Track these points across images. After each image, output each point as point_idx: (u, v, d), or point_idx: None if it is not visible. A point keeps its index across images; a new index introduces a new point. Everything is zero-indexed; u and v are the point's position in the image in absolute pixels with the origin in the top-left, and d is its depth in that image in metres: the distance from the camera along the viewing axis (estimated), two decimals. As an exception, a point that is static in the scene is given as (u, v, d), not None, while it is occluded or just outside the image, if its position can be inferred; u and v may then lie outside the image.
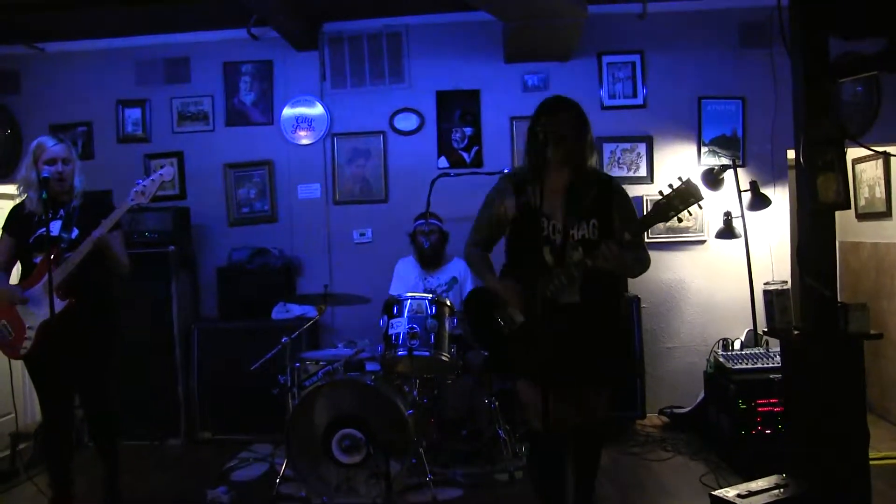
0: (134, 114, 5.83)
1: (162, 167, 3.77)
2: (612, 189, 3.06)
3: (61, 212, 3.59)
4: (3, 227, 3.71)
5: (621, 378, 3.29)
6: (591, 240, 2.91)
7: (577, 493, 3.27)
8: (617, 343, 3.16)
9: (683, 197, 2.69)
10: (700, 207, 2.73)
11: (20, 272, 3.69)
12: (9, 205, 6.05)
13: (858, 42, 3.36)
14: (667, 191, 2.73)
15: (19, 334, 3.52)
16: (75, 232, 3.55)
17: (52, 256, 3.39)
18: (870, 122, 5.26)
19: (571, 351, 2.90)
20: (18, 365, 4.81)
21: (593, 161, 3.10)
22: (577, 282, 2.88)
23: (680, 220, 2.75)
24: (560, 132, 2.90)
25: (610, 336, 3.07)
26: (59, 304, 3.38)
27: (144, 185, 3.58)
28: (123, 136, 5.84)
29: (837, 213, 3.36)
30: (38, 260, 3.55)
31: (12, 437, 4.98)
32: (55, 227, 3.52)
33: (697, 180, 5.31)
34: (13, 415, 5.67)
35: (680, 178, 2.72)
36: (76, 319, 3.47)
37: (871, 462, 3.29)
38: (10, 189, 5.94)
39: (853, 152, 5.31)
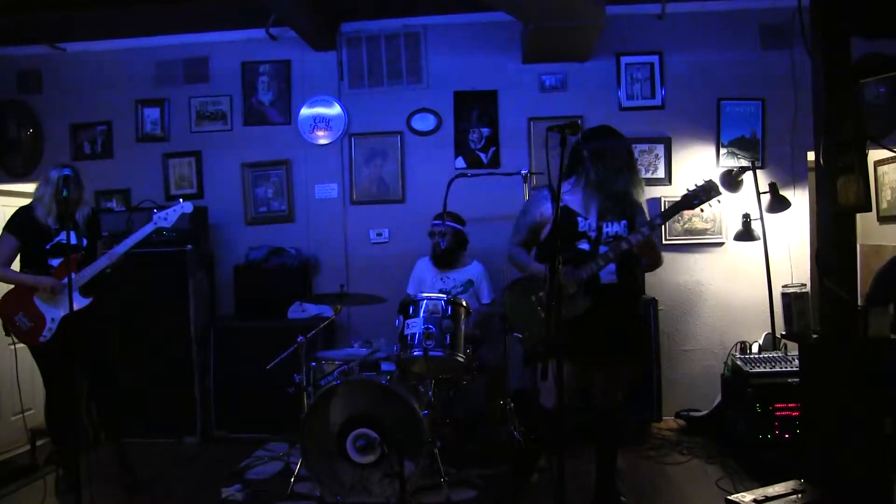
0: (153, 113, 5.88)
1: (182, 200, 4.28)
2: (635, 202, 3.49)
3: (77, 214, 4.13)
4: (10, 229, 4.11)
5: (643, 356, 3.84)
6: (622, 236, 3.35)
7: (599, 482, 3.61)
8: (638, 324, 3.72)
9: (706, 189, 3.20)
10: (719, 202, 3.25)
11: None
12: (23, 203, 6.16)
13: (881, 42, 3.32)
14: (692, 187, 3.24)
15: (38, 325, 4.02)
16: (85, 241, 4.18)
17: (73, 261, 3.93)
18: (892, 123, 5.20)
19: (603, 325, 3.34)
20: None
21: (638, 185, 3.52)
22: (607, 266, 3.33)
23: (702, 210, 3.28)
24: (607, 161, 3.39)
25: (634, 316, 3.59)
26: (84, 301, 4.03)
27: (167, 213, 4.15)
28: (142, 135, 5.89)
29: (858, 216, 3.33)
30: (53, 262, 4.05)
31: (31, 432, 5.04)
32: (70, 236, 4.01)
33: (716, 181, 5.32)
34: (32, 411, 5.75)
35: (703, 180, 3.24)
36: (93, 313, 4.06)
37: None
38: (33, 187, 6.07)
39: (875, 154, 5.24)
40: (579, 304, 3.31)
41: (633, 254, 3.32)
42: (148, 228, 4.11)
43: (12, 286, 4.10)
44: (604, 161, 3.37)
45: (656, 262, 3.50)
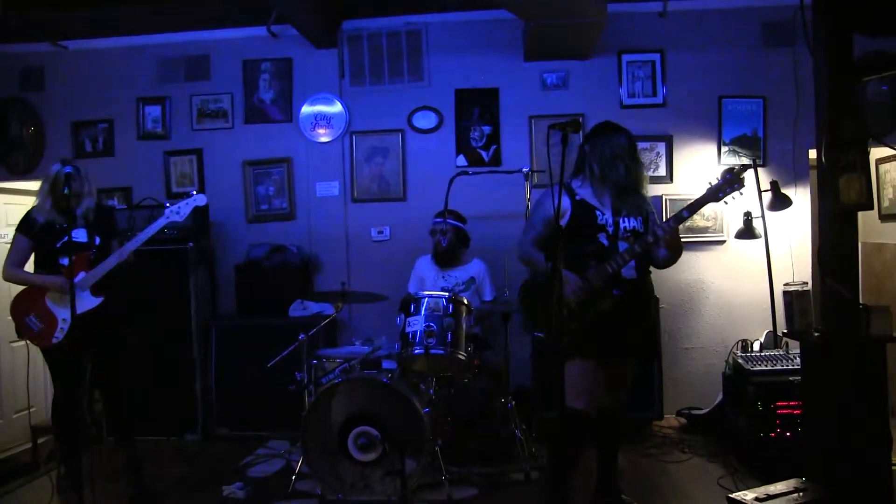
0: (154, 111, 5.88)
1: (195, 192, 4.13)
2: (643, 196, 3.55)
3: (79, 219, 4.01)
4: (21, 229, 4.07)
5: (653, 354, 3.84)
6: (639, 231, 3.41)
7: (601, 480, 3.60)
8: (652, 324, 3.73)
9: (730, 182, 3.21)
10: (741, 194, 3.24)
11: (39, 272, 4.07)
12: (32, 201, 6.17)
13: (884, 39, 3.32)
14: (714, 181, 3.27)
15: (50, 326, 3.94)
16: (98, 239, 4.05)
17: (83, 259, 3.93)
18: (894, 121, 5.18)
19: (626, 322, 3.37)
20: (38, 361, 4.91)
21: (642, 180, 3.54)
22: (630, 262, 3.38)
23: (726, 203, 3.28)
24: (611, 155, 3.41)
25: (650, 315, 3.63)
26: (95, 301, 3.95)
27: (179, 206, 4.03)
28: (144, 133, 5.89)
29: (860, 214, 3.32)
30: (64, 261, 3.91)
31: (33, 430, 5.05)
32: (80, 234, 4.00)
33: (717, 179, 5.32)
34: (34, 409, 5.76)
35: (727, 172, 3.27)
36: (104, 313, 3.96)
37: (893, 467, 3.25)
38: (35, 185, 6.06)
39: (877, 152, 5.23)
40: (606, 300, 3.33)
41: (649, 249, 3.35)
42: (160, 223, 4.01)
43: (24, 287, 4.04)
44: (606, 156, 3.40)
45: (678, 255, 3.47)
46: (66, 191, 3.74)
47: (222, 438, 5.22)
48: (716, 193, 3.23)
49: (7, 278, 4.09)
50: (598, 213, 3.41)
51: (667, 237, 3.25)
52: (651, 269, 3.54)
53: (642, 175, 3.53)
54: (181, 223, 5.13)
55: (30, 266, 4.13)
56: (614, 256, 3.32)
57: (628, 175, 3.40)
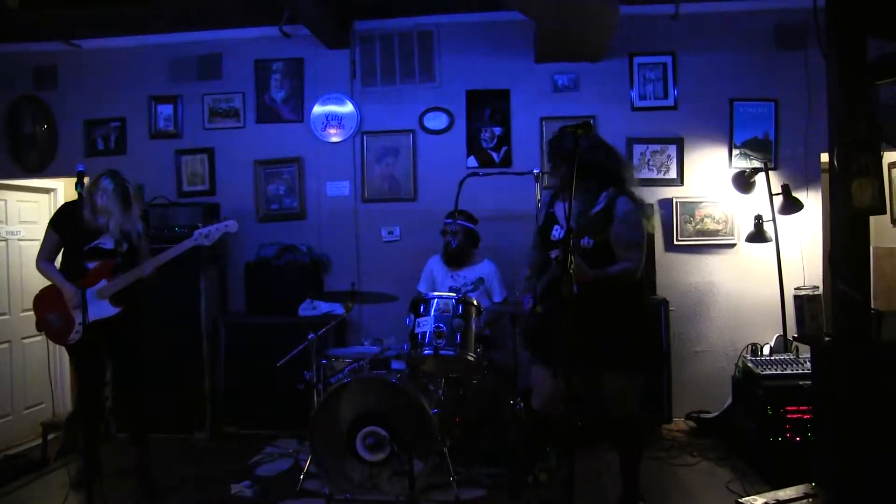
0: (166, 110, 5.90)
1: (227, 219, 4.16)
2: (615, 212, 3.19)
3: (110, 225, 4.00)
4: (53, 224, 4.10)
5: (629, 362, 3.37)
6: (587, 249, 3.18)
7: (623, 489, 3.54)
8: (623, 329, 3.30)
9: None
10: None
11: (66, 273, 4.06)
12: (44, 198, 6.23)
13: (896, 43, 3.31)
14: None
15: (67, 327, 4.00)
16: (125, 246, 4.04)
17: (107, 267, 3.99)
18: (907, 125, 5.16)
19: (579, 335, 2.96)
20: (50, 358, 4.95)
21: (623, 175, 3.32)
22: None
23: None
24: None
25: (614, 323, 3.25)
26: (112, 310, 3.99)
27: (209, 230, 4.07)
28: (156, 131, 5.91)
29: (872, 218, 3.31)
30: (90, 265, 4.01)
31: (44, 426, 5.08)
32: (107, 240, 4.02)
33: (728, 182, 5.31)
34: (44, 405, 5.80)
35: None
36: (121, 323, 4.03)
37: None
38: (47, 182, 6.13)
39: (890, 156, 5.20)
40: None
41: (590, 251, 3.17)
42: (187, 244, 4.06)
43: (51, 283, 4.07)
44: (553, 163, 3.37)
45: (613, 280, 3.21)
46: (100, 201, 3.93)
47: (230, 437, 5.23)
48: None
49: (39, 270, 4.13)
50: (556, 227, 3.35)
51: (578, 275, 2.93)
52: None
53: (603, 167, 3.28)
54: (189, 223, 5.22)
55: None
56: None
57: (565, 177, 3.17)
